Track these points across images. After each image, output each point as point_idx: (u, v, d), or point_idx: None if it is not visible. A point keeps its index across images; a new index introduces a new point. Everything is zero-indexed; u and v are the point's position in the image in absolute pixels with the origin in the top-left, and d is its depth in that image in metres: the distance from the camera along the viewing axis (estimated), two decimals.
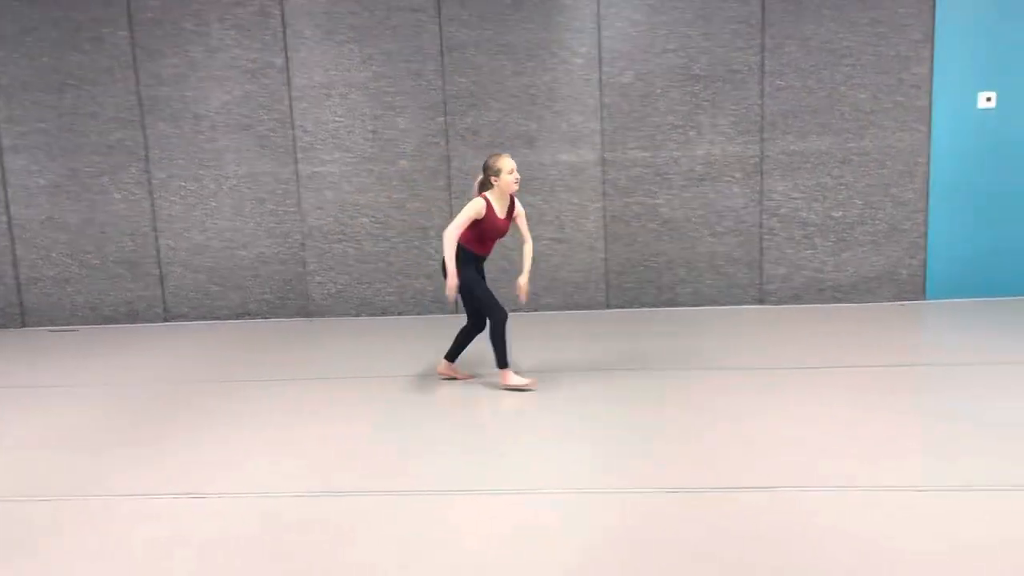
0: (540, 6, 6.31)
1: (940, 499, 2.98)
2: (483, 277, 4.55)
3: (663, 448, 3.59)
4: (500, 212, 4.42)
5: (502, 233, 4.48)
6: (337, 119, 6.56)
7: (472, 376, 4.81)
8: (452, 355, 4.73)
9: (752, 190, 6.40)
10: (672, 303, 6.60)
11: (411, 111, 6.51)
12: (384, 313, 6.79)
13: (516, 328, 6.14)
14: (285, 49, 6.48)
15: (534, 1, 6.31)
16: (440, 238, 5.53)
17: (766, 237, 6.44)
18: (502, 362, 4.48)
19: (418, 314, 6.78)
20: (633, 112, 6.38)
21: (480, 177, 4.48)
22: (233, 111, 6.58)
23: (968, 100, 6.13)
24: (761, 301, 6.52)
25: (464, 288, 4.39)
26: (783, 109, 6.26)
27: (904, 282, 6.38)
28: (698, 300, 6.58)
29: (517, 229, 4.62)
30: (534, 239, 6.31)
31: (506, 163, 4.35)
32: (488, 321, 4.47)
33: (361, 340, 5.98)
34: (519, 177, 4.43)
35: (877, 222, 6.33)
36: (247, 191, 6.68)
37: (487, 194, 4.40)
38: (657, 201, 6.49)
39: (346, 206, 6.66)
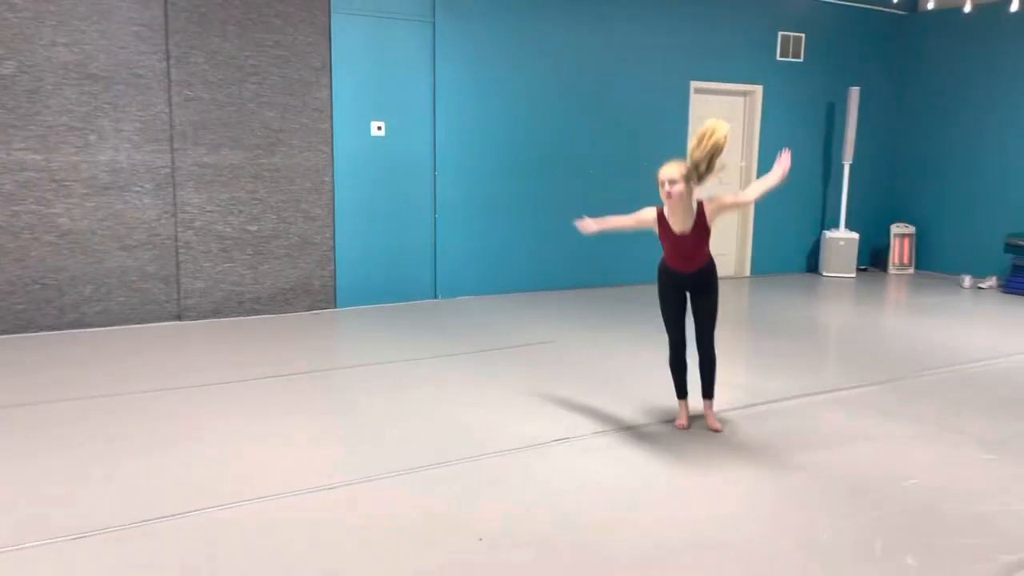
0: None
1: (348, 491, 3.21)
2: (684, 298, 3.98)
3: (56, 490, 3.14)
4: (676, 224, 3.83)
5: (683, 249, 3.86)
6: None
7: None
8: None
9: (165, 202, 6.12)
10: (78, 324, 5.91)
11: None
12: None
13: None
14: None
15: None
16: None
17: (182, 251, 6.23)
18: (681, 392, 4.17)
19: None
20: (18, 108, 5.54)
21: None
22: None
23: (364, 127, 6.85)
24: (179, 317, 6.28)
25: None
26: (193, 120, 6.13)
27: (317, 292, 6.82)
28: (109, 320, 6.02)
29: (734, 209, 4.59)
30: None
31: (661, 172, 3.77)
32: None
33: None
34: (669, 190, 3.73)
35: (291, 236, 6.64)
36: None
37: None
38: (54, 210, 5.74)
39: None
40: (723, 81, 8.66)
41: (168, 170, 6.10)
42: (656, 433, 4.01)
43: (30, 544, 2.76)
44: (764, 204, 9.04)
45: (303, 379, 4.83)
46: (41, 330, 5.79)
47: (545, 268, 7.88)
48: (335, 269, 6.87)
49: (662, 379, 4.81)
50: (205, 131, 6.18)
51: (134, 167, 5.98)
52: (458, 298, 7.35)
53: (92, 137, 5.82)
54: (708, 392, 4.11)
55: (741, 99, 8.91)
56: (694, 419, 4.12)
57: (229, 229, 6.37)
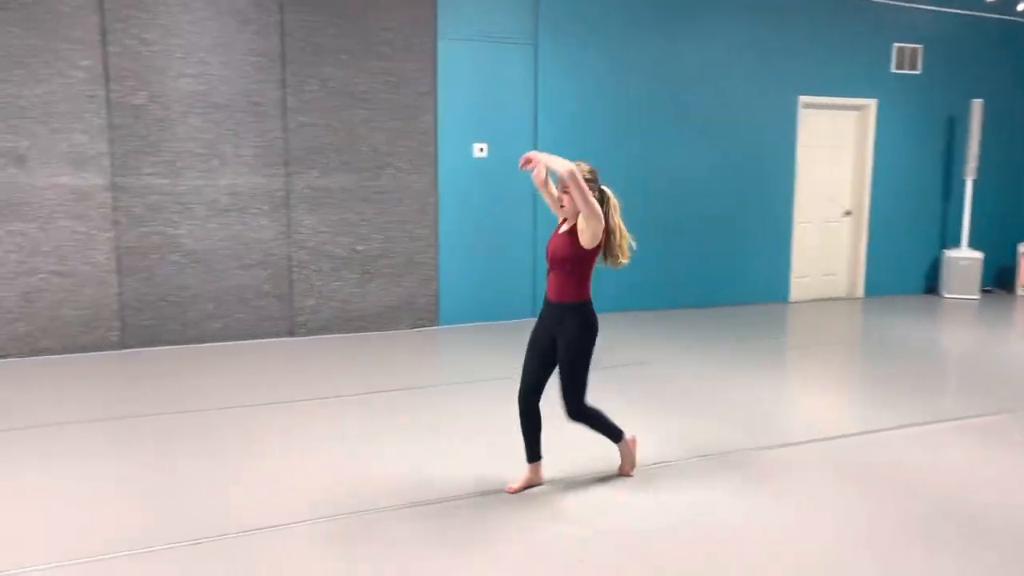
0: (29, 8, 5.53)
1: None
2: (549, 337, 3.38)
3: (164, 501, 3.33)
4: (562, 230, 3.38)
5: (553, 259, 3.34)
6: None
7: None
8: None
9: (280, 223, 6.42)
10: (200, 339, 6.26)
11: None
12: None
13: (6, 378, 5.23)
14: None
15: (21, 2, 5.51)
16: None
17: (295, 270, 6.51)
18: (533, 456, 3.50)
19: None
20: (149, 136, 5.95)
21: None
22: None
23: (467, 149, 6.99)
24: (292, 333, 6.55)
25: None
26: (307, 146, 6.42)
27: (421, 310, 6.98)
28: (228, 335, 6.35)
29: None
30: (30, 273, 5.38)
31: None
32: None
33: None
34: (561, 196, 3.32)
35: (396, 255, 6.83)
36: None
37: None
38: (179, 232, 6.12)
39: None
40: (834, 95, 8.38)
41: (283, 193, 6.40)
42: (754, 460, 3.88)
43: (159, 546, 2.93)
44: (879, 221, 8.72)
45: (408, 395, 4.94)
46: (166, 344, 6.16)
47: (643, 287, 7.80)
48: (438, 288, 7.01)
49: (762, 404, 4.67)
50: (318, 155, 6.46)
51: (252, 190, 6.31)
52: None
53: (214, 162, 6.17)
54: (613, 437, 3.59)
55: (853, 114, 8.59)
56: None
57: (339, 249, 6.62)
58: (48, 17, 5.59)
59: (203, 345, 6.22)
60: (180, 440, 4.08)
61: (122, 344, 6.02)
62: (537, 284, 7.30)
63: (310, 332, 6.60)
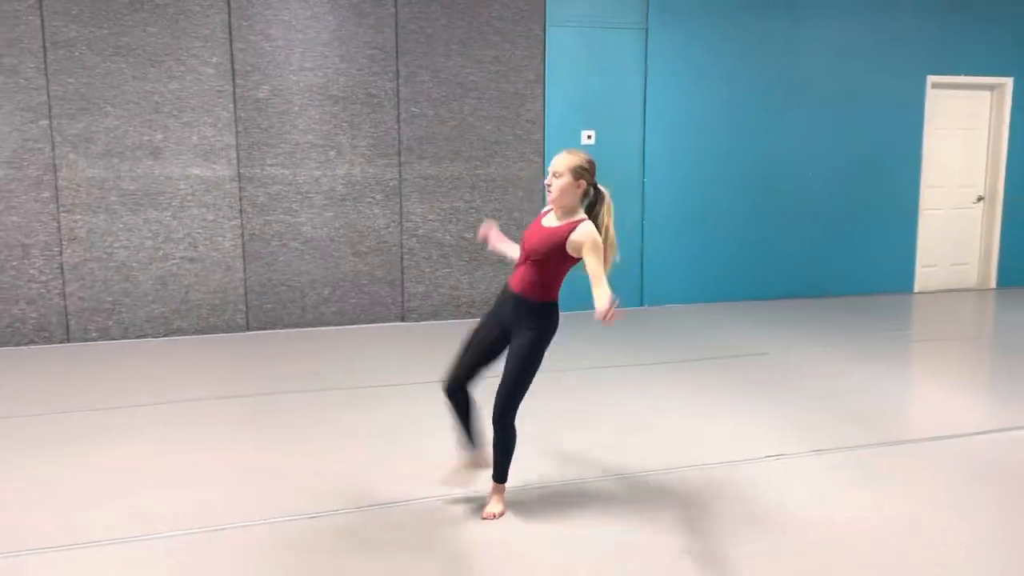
0: (162, 9, 5.88)
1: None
2: (495, 332, 3.06)
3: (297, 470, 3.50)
4: (545, 220, 3.06)
5: (528, 244, 3.01)
6: None
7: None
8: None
9: (392, 211, 6.60)
10: (317, 323, 6.52)
11: (5, 111, 5.64)
12: None
13: (144, 358, 5.60)
14: None
15: (155, 3, 5.86)
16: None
17: (406, 256, 6.67)
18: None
19: (17, 345, 5.85)
20: (271, 128, 6.23)
21: None
22: None
23: (574, 136, 6.97)
24: (403, 318, 6.73)
25: None
26: (419, 135, 6.56)
27: None
28: (343, 319, 6.58)
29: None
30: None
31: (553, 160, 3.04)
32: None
33: None
34: (548, 181, 3.02)
35: None
36: None
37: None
38: (298, 220, 6.39)
39: None
40: (966, 74, 7.87)
41: (396, 182, 6.57)
42: (881, 455, 3.72)
43: (276, 519, 3.09)
44: (1015, 208, 8.13)
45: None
46: (286, 327, 6.45)
47: (757, 277, 7.58)
48: None
49: (886, 397, 4.46)
50: (429, 145, 6.59)
51: (367, 180, 6.50)
52: (665, 306, 7.26)
53: (332, 153, 6.40)
54: (497, 475, 3.11)
55: (986, 94, 8.04)
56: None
57: (448, 237, 6.74)
58: (180, 16, 5.93)
59: (321, 328, 6.48)
60: (318, 414, 4.27)
61: (248, 327, 6.35)
62: (645, 274, 7.22)
63: (421, 317, 6.76)
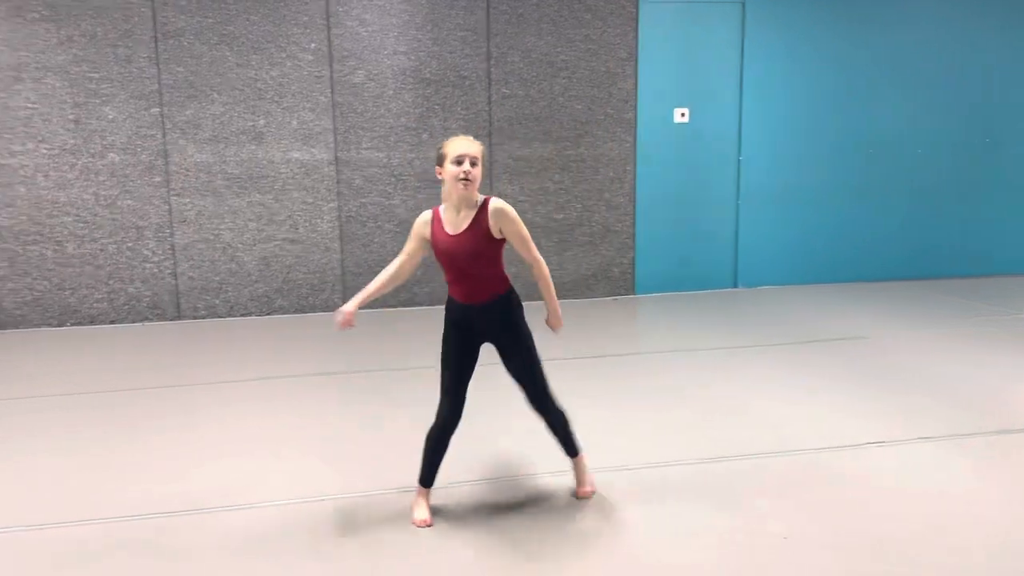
0: None
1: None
2: (472, 352, 2.93)
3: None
4: (450, 225, 2.83)
5: (459, 261, 2.82)
6: (30, 105, 5.82)
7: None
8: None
9: (483, 192, 6.64)
10: (411, 303, 6.66)
11: (120, 100, 5.96)
12: (93, 322, 6.14)
13: (249, 334, 5.86)
14: None
15: None
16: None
17: None
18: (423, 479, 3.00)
19: (133, 322, 6.21)
20: (366, 112, 6.36)
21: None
22: None
23: (667, 114, 6.85)
24: None
25: None
26: (509, 116, 6.58)
27: (617, 279, 6.98)
28: (433, 300, 6.69)
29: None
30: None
31: (452, 146, 2.77)
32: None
33: (64, 354, 5.36)
34: (468, 170, 2.73)
35: (593, 224, 6.86)
36: None
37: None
38: (393, 202, 6.52)
39: (43, 203, 5.94)
40: None
41: (487, 163, 6.61)
42: (989, 444, 3.54)
43: (376, 491, 3.19)
44: None
45: (607, 362, 4.98)
46: (383, 307, 6.61)
47: (855, 258, 7.30)
48: (635, 256, 6.97)
49: (1001, 383, 4.24)
50: (519, 126, 6.60)
51: None
52: (760, 288, 7.08)
53: (424, 135, 6.49)
54: (570, 451, 3.10)
55: None
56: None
57: (538, 218, 6.75)
58: (280, 4, 6.11)
59: (413, 308, 6.61)
60: (410, 394, 4.38)
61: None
62: (739, 254, 7.05)
63: None
